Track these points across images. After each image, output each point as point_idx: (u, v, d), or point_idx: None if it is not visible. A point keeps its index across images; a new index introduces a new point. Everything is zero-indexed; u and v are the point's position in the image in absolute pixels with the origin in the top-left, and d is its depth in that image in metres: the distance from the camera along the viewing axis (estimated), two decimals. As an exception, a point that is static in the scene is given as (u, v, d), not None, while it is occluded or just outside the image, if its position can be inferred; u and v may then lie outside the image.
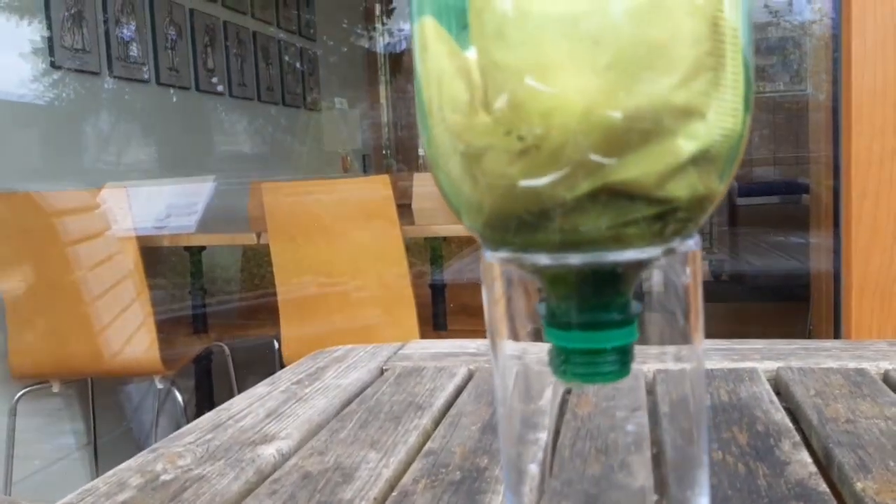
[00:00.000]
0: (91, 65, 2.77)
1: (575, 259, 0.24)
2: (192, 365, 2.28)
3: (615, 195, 0.23)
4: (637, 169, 0.23)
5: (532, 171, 0.23)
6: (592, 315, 0.26)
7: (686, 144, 0.23)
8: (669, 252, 0.25)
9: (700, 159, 0.23)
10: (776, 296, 3.16)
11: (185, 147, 3.35)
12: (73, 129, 2.74)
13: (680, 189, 0.23)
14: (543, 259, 0.25)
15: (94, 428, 2.40)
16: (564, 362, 0.27)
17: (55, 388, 2.10)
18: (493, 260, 0.26)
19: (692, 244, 0.26)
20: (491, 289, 0.28)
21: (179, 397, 2.17)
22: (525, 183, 0.23)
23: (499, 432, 0.32)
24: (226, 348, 2.25)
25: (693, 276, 0.27)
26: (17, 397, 2.07)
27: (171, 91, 3.25)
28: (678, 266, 0.27)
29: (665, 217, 0.24)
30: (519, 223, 0.24)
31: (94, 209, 2.03)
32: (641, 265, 0.25)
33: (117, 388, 2.54)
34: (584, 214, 0.23)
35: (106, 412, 2.48)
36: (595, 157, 0.22)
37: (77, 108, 2.76)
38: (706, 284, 0.28)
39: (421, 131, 0.27)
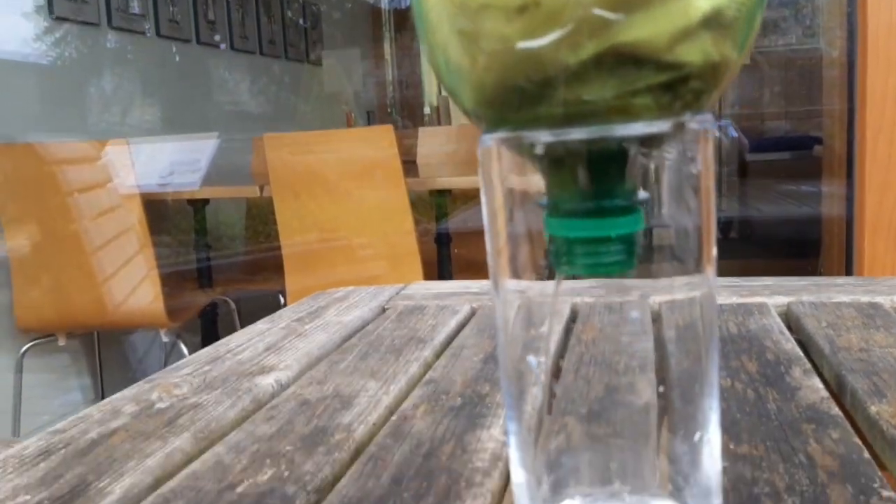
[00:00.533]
0: (90, 15, 2.73)
1: (579, 134, 0.22)
2: (197, 319, 2.28)
3: (621, 60, 0.21)
4: (645, 29, 0.21)
5: (532, 30, 0.21)
6: (596, 201, 0.24)
7: (699, 2, 0.21)
8: (680, 127, 0.23)
9: (714, 22, 0.21)
10: (785, 252, 3.14)
11: (188, 105, 3.32)
12: (74, 86, 2.71)
13: (692, 54, 0.21)
14: (545, 136, 0.23)
15: (101, 383, 2.41)
16: (567, 253, 0.25)
17: (61, 342, 2.11)
18: (492, 142, 0.25)
19: (704, 122, 0.24)
20: (489, 178, 0.26)
21: (185, 350, 2.18)
22: (525, 44, 0.21)
23: (498, 351, 0.30)
24: (231, 302, 2.24)
25: (704, 161, 0.25)
26: (23, 350, 2.08)
27: (174, 49, 3.20)
28: (688, 151, 0.25)
29: (675, 86, 0.22)
30: (520, 96, 0.22)
31: (96, 160, 2.02)
32: (649, 142, 0.23)
33: (123, 342, 2.55)
34: (588, 83, 0.22)
35: (113, 368, 2.49)
36: (599, 13, 0.20)
37: (77, 63, 2.72)
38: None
39: (417, 21, 0.25)
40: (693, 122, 0.23)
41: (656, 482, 0.28)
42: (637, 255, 0.25)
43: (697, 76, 0.22)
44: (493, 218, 0.27)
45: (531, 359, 0.30)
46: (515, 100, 0.23)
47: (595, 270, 0.25)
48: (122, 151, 2.10)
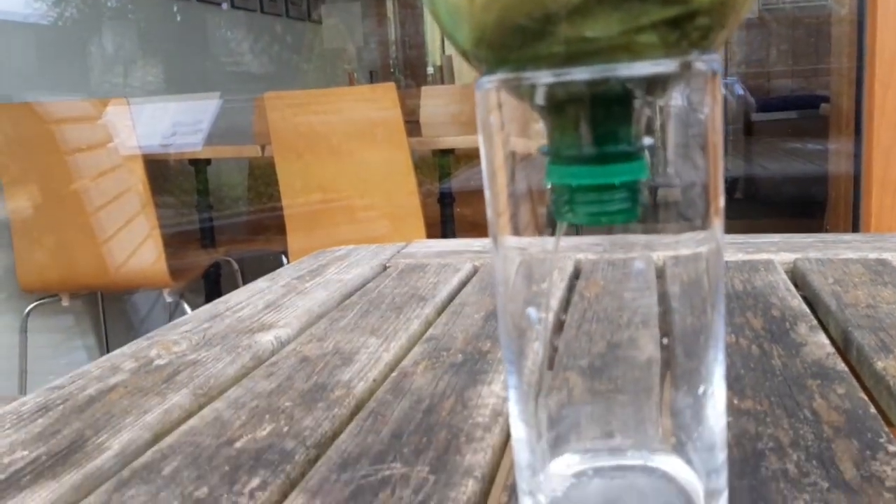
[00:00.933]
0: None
1: (581, 74, 0.21)
2: (200, 279, 2.28)
3: (627, -6, 0.20)
4: (653, -40, 0.20)
5: (532, -38, 0.20)
6: (599, 147, 0.23)
7: (710, -68, 0.20)
8: (686, 68, 0.22)
9: (725, -45, 0.20)
10: (791, 212, 3.12)
11: (189, 65, 3.28)
12: (74, 45, 2.67)
13: (701, -12, 0.20)
14: (546, 77, 0.22)
15: (106, 343, 2.42)
16: (568, 202, 0.24)
17: (64, 302, 2.11)
18: (490, 85, 0.24)
19: (712, 62, 0.23)
20: (487, 123, 0.25)
21: (189, 311, 2.18)
22: (524, -22, 0.20)
23: (497, 305, 0.30)
24: (234, 262, 2.24)
25: (712, 104, 0.24)
26: (27, 311, 2.09)
27: (174, 8, 3.16)
28: (694, 95, 0.24)
29: (682, 23, 0.21)
30: (520, 34, 0.21)
31: (97, 120, 2.00)
32: (654, 85, 0.22)
33: (126, 302, 2.55)
34: (590, 18, 0.20)
35: (117, 328, 2.50)
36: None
37: (77, 23, 2.69)
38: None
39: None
40: (700, 63, 0.22)
41: (659, 437, 0.28)
42: (641, 204, 0.24)
43: (705, 12, 0.21)
44: (491, 168, 0.26)
45: (531, 311, 0.29)
46: (515, 39, 0.22)
47: (598, 219, 0.24)
48: (122, 111, 2.08)
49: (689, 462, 0.26)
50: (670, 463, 0.26)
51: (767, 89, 4.07)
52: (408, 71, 5.02)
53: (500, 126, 0.26)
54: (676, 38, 0.21)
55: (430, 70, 5.05)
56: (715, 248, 0.27)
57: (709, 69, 0.23)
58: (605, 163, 0.23)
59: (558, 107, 0.23)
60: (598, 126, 0.23)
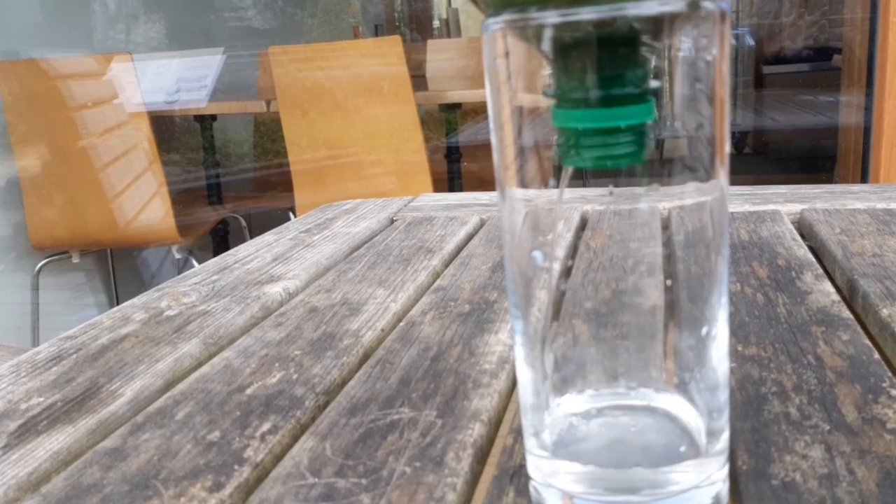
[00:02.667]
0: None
1: (588, 13, 0.21)
2: (209, 236, 2.29)
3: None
4: None
5: None
6: (606, 89, 0.23)
7: None
8: (694, 8, 0.22)
9: None
10: (801, 166, 3.10)
11: (193, 20, 3.25)
12: (78, 2, 2.64)
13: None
14: (552, 17, 0.22)
15: (117, 300, 2.44)
16: (574, 146, 0.24)
17: (75, 259, 2.12)
18: (496, 27, 0.23)
19: (721, 4, 0.22)
20: (493, 72, 0.25)
21: (197, 266, 2.19)
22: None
23: (504, 255, 0.30)
24: (241, 219, 2.25)
25: (720, 45, 0.23)
26: (38, 268, 2.10)
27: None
28: (702, 36, 0.24)
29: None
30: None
31: (102, 76, 1.99)
32: (661, 24, 0.22)
33: (136, 259, 2.57)
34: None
35: (127, 284, 2.52)
36: None
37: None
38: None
39: None
40: (708, 3, 0.22)
41: (662, 378, 0.28)
42: (647, 148, 0.25)
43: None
44: (498, 119, 0.26)
45: (537, 254, 0.29)
46: (521, -22, 0.21)
47: (603, 163, 0.24)
48: (126, 67, 2.06)
49: (691, 402, 0.26)
50: (673, 403, 0.27)
51: (779, 41, 4.01)
52: (413, 24, 4.96)
53: (507, 76, 0.26)
54: (684, -23, 0.21)
55: (435, 24, 4.99)
56: (720, 196, 0.27)
57: (717, 9, 0.23)
58: (610, 105, 0.23)
59: (564, 49, 0.23)
60: (605, 68, 0.23)
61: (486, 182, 2.21)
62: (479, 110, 2.30)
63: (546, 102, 0.25)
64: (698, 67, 0.25)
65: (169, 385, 0.39)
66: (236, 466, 0.31)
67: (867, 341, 0.38)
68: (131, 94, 2.02)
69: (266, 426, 0.34)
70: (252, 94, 2.72)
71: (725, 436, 0.25)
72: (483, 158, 2.21)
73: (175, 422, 0.35)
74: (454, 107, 2.17)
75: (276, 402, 0.36)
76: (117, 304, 2.39)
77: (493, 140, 0.27)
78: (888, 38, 1.02)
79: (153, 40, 3.04)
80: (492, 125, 0.27)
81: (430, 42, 2.63)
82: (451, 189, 2.12)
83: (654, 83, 0.24)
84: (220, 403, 0.36)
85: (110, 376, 0.40)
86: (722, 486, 0.25)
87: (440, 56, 2.59)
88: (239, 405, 0.36)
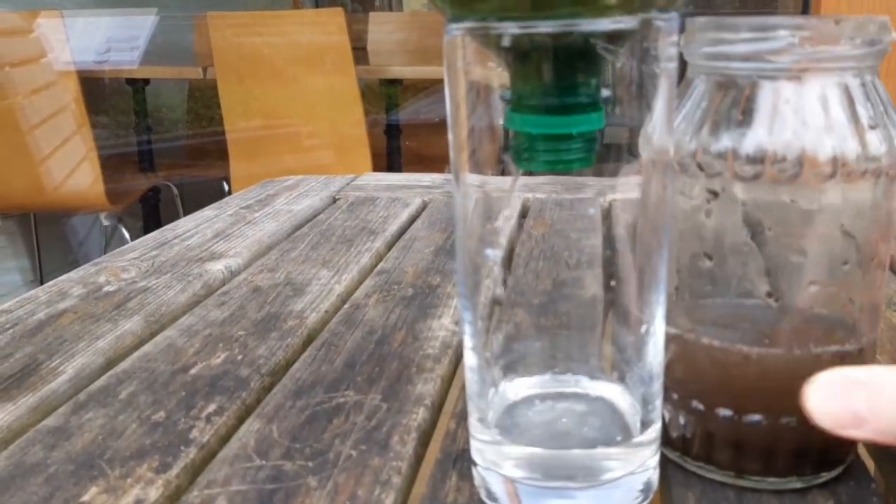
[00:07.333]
0: None
1: (546, 27, 0.22)
2: (139, 203, 2.23)
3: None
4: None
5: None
6: (560, 98, 0.24)
7: None
8: (647, 25, 0.23)
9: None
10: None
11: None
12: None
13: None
14: (512, 28, 0.23)
15: (40, 265, 2.36)
16: (528, 149, 0.25)
17: (-3, 222, 2.05)
18: (458, 32, 0.24)
19: (670, 19, 0.24)
20: (453, 70, 0.26)
21: (127, 235, 2.14)
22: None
23: (456, 243, 0.31)
24: (173, 187, 2.20)
25: (668, 56, 0.25)
26: (-44, 231, 2.02)
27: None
28: (651, 48, 0.25)
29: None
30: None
31: (29, 33, 1.91)
32: (615, 38, 0.23)
33: (63, 224, 2.48)
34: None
35: (52, 250, 2.44)
36: None
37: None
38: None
39: None
40: (659, 21, 0.23)
41: (600, 368, 0.30)
42: (596, 153, 0.26)
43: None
44: (455, 110, 0.27)
45: (489, 252, 0.30)
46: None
47: (555, 167, 0.25)
48: (55, 24, 1.98)
49: (628, 391, 0.28)
50: (611, 391, 0.28)
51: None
52: (355, -4, 4.89)
53: (465, 70, 0.26)
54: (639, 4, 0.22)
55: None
56: (661, 192, 0.29)
57: (667, 25, 0.24)
58: (565, 113, 0.24)
59: (522, 56, 0.24)
60: (560, 77, 0.24)
61: (426, 159, 2.21)
62: (419, 87, 2.29)
63: (498, 87, 0.26)
64: (646, 72, 0.26)
65: (111, 363, 0.39)
66: (182, 447, 0.31)
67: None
68: (60, 53, 1.94)
69: (212, 407, 0.34)
70: (188, 58, 2.64)
71: (658, 425, 0.27)
72: (424, 136, 2.21)
73: (119, 401, 0.35)
74: (395, 82, 2.16)
75: (221, 382, 0.36)
76: (40, 269, 2.31)
77: (450, 127, 0.27)
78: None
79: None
80: (449, 114, 0.28)
81: (372, 14, 2.60)
82: (391, 166, 2.12)
83: (605, 92, 0.25)
84: (164, 383, 0.36)
85: (49, 353, 0.40)
86: (653, 473, 0.27)
87: (382, 28, 2.57)
88: (184, 385, 0.36)
